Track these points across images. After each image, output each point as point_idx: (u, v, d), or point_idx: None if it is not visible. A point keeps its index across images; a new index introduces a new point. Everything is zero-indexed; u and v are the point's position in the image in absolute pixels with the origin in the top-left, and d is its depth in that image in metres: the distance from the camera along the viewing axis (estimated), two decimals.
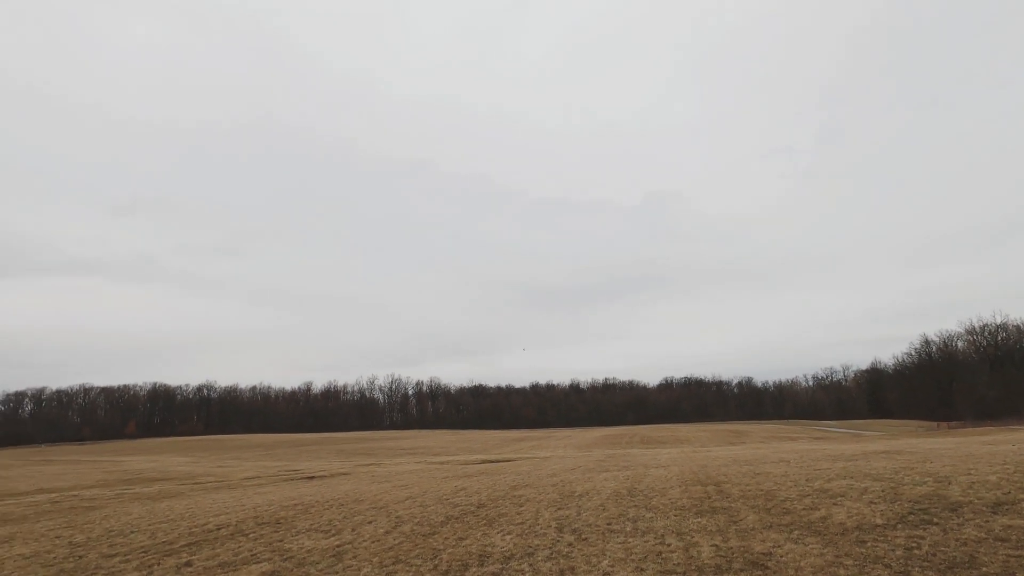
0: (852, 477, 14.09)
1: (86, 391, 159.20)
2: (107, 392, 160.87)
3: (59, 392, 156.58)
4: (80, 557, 10.62)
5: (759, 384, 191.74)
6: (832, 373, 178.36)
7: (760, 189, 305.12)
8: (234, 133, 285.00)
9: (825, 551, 7.84)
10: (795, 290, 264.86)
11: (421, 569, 8.25)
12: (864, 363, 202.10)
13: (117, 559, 10.23)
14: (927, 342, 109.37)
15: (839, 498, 11.45)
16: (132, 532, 13.05)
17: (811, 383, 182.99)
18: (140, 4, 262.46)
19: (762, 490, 13.18)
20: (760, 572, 7.13)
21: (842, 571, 6.96)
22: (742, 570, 7.26)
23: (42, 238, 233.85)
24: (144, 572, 9.11)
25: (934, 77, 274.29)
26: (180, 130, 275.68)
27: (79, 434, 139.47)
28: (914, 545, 7.86)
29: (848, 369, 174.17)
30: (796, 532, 9.01)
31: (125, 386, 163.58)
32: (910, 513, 9.66)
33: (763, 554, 7.90)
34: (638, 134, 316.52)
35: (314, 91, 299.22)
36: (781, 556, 7.74)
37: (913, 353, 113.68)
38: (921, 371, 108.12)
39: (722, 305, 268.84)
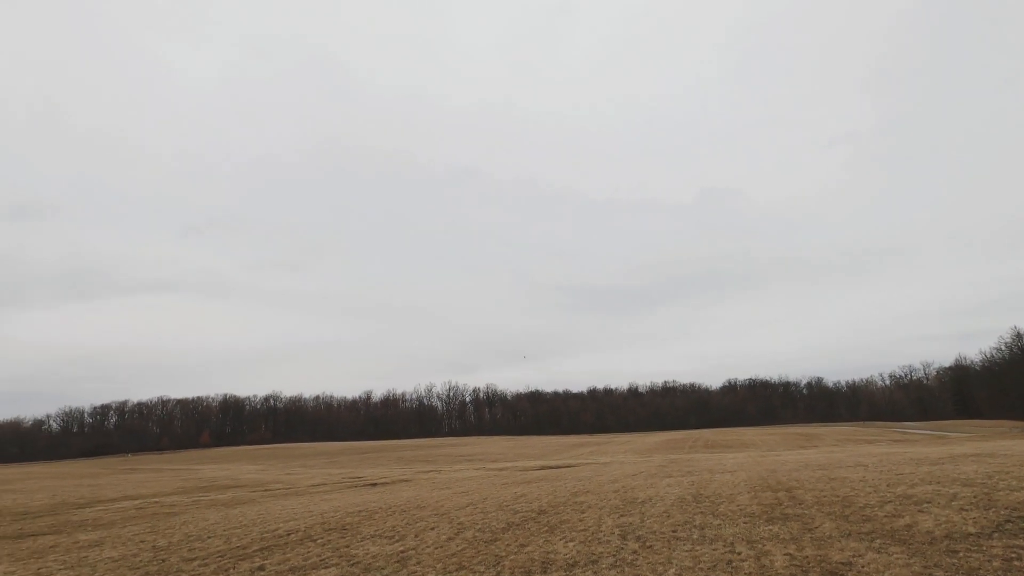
0: (939, 482, 13.14)
1: (163, 403, 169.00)
2: (182, 404, 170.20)
3: (140, 404, 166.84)
4: (163, 560, 11.21)
5: (830, 384, 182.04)
6: (911, 371, 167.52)
7: (823, 179, 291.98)
8: (295, 155, 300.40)
9: (911, 561, 7.31)
10: (867, 284, 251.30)
11: (484, 575, 8.24)
12: (947, 359, 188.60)
13: (196, 563, 10.74)
14: (1019, 335, 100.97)
15: (925, 505, 10.69)
16: (209, 537, 13.69)
17: (888, 382, 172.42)
18: (210, 46, 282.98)
19: (838, 496, 12.48)
20: None
21: None
22: None
23: (121, 261, 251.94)
24: (221, 575, 9.52)
25: (1009, 54, 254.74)
26: (246, 155, 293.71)
27: (158, 444, 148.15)
28: (1014, 556, 7.22)
29: (929, 366, 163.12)
30: (878, 541, 8.45)
31: (199, 397, 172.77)
32: (1007, 521, 8.90)
33: (842, 563, 7.44)
34: (690, 130, 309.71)
35: (368, 111, 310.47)
36: (862, 566, 7.27)
37: (1004, 347, 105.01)
38: (1014, 366, 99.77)
39: (787, 303, 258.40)
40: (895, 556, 7.59)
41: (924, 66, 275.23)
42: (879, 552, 7.84)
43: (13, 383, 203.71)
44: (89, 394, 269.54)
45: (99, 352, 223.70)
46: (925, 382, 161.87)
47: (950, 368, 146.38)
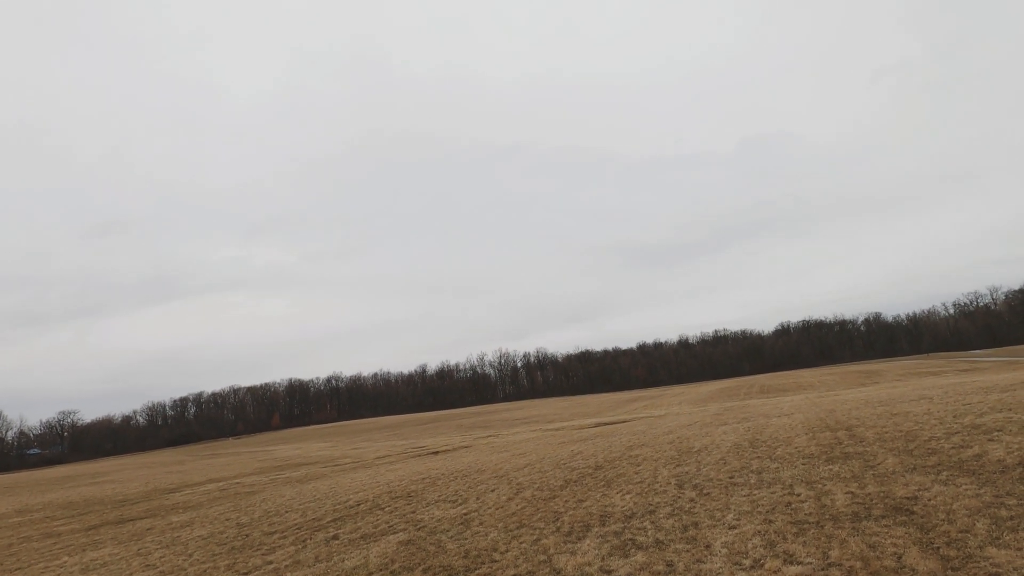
0: (1010, 409, 12.61)
1: (235, 391, 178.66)
2: (252, 391, 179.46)
3: (214, 394, 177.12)
4: (247, 536, 12.04)
5: (889, 319, 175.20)
6: (977, 297, 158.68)
7: (873, 113, 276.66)
8: (344, 150, 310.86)
9: (981, 491, 7.10)
10: (926, 213, 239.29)
11: (544, 531, 8.50)
12: (1017, 282, 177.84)
13: (276, 536, 11.49)
14: None
15: (995, 433, 10.30)
16: (286, 512, 14.58)
17: (952, 311, 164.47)
18: (259, 60, 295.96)
19: (901, 431, 12.16)
20: (905, 517, 6.61)
21: (1004, 512, 6.28)
22: (883, 516, 6.76)
23: (194, 265, 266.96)
24: (299, 546, 10.17)
25: None
26: (300, 156, 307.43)
27: (234, 429, 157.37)
28: None
29: (997, 291, 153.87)
30: (945, 473, 8.24)
31: (266, 384, 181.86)
32: None
33: (907, 498, 7.30)
34: (727, 80, 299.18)
35: (411, 97, 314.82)
36: (929, 499, 7.12)
37: None
38: None
39: (840, 240, 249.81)
40: (964, 487, 7.39)
41: None
42: (946, 484, 7.65)
43: (103, 384, 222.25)
44: (169, 389, 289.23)
45: (176, 349, 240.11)
46: (993, 307, 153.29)
47: (1021, 291, 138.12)
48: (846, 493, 8.00)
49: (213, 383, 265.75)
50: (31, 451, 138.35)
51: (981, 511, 6.40)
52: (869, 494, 7.77)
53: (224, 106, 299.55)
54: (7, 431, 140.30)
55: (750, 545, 6.48)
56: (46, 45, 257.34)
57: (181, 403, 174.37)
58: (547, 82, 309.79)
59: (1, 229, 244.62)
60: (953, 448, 9.70)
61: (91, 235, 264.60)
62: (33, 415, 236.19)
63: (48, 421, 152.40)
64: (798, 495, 8.29)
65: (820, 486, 8.62)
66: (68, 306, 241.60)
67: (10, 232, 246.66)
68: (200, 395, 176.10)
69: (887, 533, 6.20)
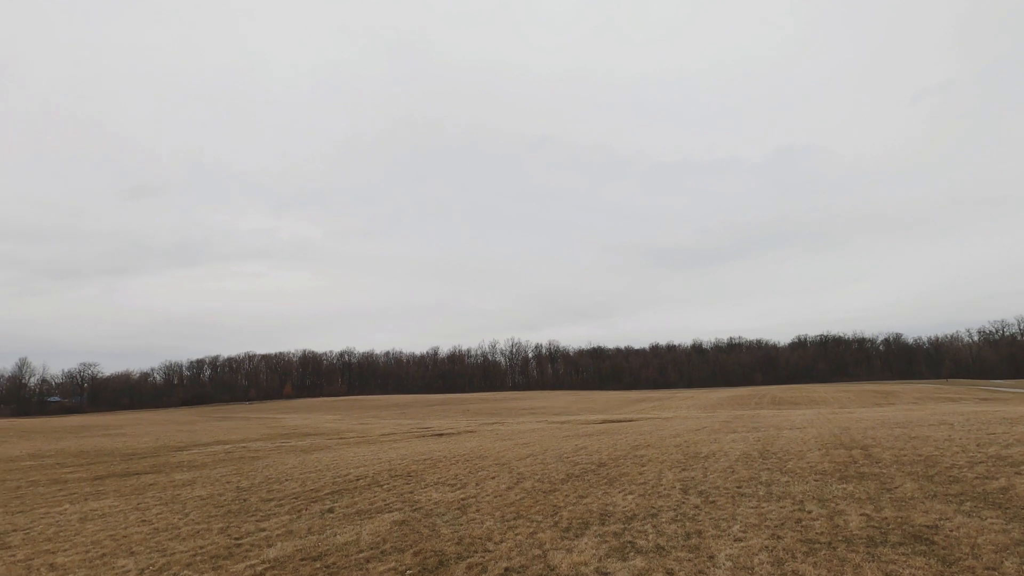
0: None
1: (250, 358, 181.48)
2: (267, 359, 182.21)
3: (230, 359, 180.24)
4: (244, 500, 12.03)
5: (910, 341, 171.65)
6: (1004, 327, 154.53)
7: (911, 132, 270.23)
8: (377, 130, 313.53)
9: (1009, 527, 6.70)
10: (956, 237, 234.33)
11: (542, 525, 8.27)
12: None
13: (273, 503, 11.45)
14: None
15: (1023, 466, 9.80)
16: (286, 480, 14.57)
17: (976, 338, 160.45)
18: (306, 37, 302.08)
19: (920, 455, 11.69)
20: (924, 547, 6.24)
21: None
22: (901, 543, 6.40)
23: (224, 233, 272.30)
24: (294, 516, 10.09)
25: None
26: (334, 133, 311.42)
27: (247, 395, 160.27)
28: None
29: None
30: (968, 504, 7.82)
31: (281, 353, 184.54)
32: None
33: (926, 527, 6.92)
34: (766, 89, 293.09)
35: (449, 85, 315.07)
36: (951, 530, 6.73)
37: None
38: None
39: (865, 258, 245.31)
40: (989, 521, 6.99)
41: (1014, 12, 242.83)
42: (969, 516, 7.25)
43: (125, 340, 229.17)
44: (187, 350, 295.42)
45: (197, 313, 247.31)
46: (1019, 338, 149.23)
47: None
48: (860, 515, 7.63)
49: (229, 348, 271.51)
50: (52, 399, 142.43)
51: (1010, 548, 6.00)
52: (886, 518, 7.40)
53: (264, 83, 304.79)
54: (30, 377, 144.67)
55: (756, 560, 6.17)
56: (96, 11, 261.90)
57: (197, 365, 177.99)
58: (581, 79, 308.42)
59: (44, 184, 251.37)
60: (977, 478, 9.24)
61: (126, 197, 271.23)
62: (56, 364, 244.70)
63: (70, 371, 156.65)
64: (809, 512, 7.94)
65: (833, 505, 8.25)
66: (99, 263, 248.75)
67: (52, 187, 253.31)
68: (216, 359, 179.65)
69: (905, 562, 5.84)
